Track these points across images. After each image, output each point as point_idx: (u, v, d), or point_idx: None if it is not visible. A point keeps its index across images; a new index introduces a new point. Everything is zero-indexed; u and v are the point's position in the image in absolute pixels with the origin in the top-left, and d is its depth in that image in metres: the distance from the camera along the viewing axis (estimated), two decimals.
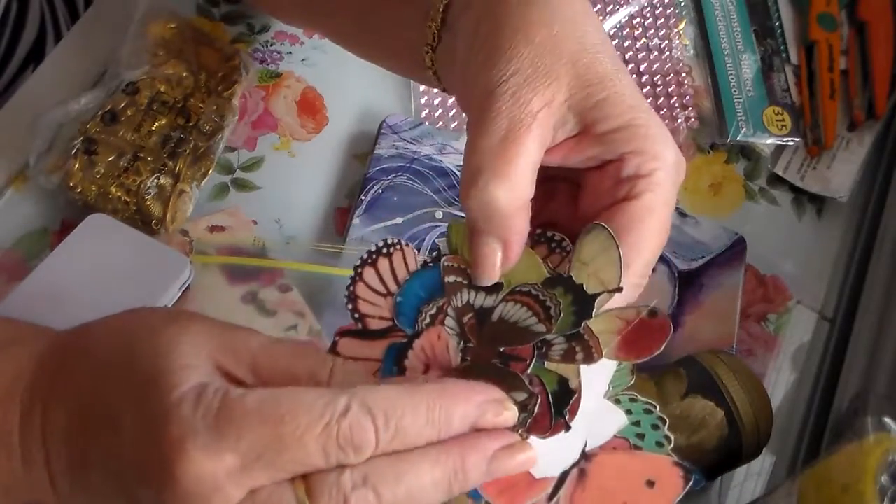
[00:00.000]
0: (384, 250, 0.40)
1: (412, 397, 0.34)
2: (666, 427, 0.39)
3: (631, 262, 0.39)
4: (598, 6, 0.72)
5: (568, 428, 0.37)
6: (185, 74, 0.60)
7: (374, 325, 0.40)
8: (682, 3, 0.75)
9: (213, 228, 0.60)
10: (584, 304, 0.38)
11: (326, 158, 0.64)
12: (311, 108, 0.66)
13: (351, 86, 0.67)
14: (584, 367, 0.38)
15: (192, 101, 0.59)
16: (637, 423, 0.39)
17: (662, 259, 0.64)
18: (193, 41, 0.62)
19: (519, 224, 0.39)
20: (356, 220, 0.60)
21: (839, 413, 0.61)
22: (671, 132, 0.69)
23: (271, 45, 0.67)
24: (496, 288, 0.39)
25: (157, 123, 0.58)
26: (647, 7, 0.73)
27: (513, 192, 0.38)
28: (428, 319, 0.39)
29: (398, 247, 0.41)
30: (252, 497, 0.32)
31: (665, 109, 0.70)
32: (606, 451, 0.38)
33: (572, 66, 0.39)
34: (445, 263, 0.40)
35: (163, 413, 0.33)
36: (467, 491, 0.34)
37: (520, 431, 0.36)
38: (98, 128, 0.57)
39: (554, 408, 0.37)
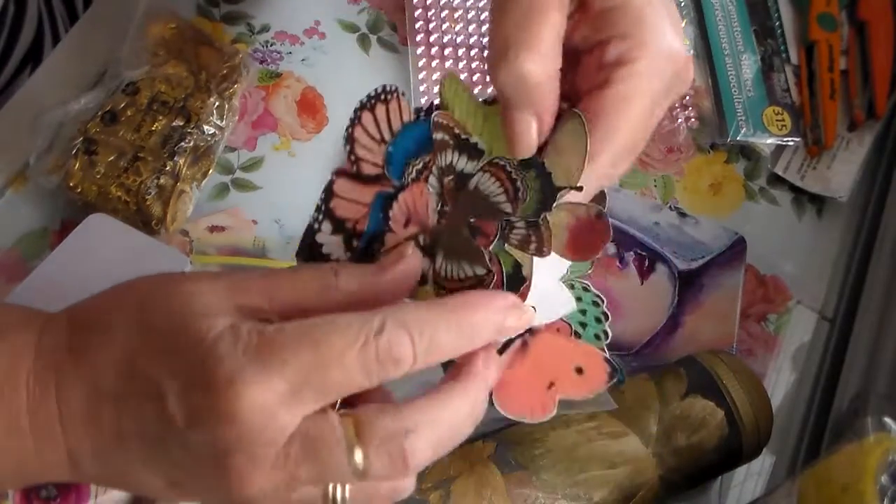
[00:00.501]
0: (382, 96, 0.40)
1: (441, 312, 0.35)
2: (607, 323, 0.40)
3: (598, 153, 0.38)
4: None
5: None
6: (185, 74, 0.60)
7: (368, 169, 0.40)
8: (682, 3, 0.75)
9: (213, 228, 0.60)
10: (547, 193, 0.38)
11: (326, 158, 0.64)
12: (311, 108, 0.66)
13: (351, 86, 0.67)
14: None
15: (192, 101, 0.59)
16: (583, 312, 0.41)
17: (662, 259, 0.64)
18: (193, 41, 0.62)
19: (552, 95, 0.38)
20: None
21: (839, 413, 0.61)
22: (671, 132, 0.70)
23: (271, 45, 0.67)
24: (478, 154, 0.39)
25: (157, 123, 0.58)
26: None
27: (543, 63, 0.37)
28: (414, 174, 0.39)
29: (395, 94, 0.40)
30: (304, 431, 0.33)
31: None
32: (550, 330, 0.39)
33: None
34: (436, 119, 0.39)
35: (203, 358, 0.33)
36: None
37: None
38: (98, 128, 0.57)
39: (506, 289, 0.38)
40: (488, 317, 0.35)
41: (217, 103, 0.60)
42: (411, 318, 0.34)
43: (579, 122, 0.38)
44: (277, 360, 0.33)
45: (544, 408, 0.38)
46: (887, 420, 0.49)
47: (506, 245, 0.39)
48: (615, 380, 0.39)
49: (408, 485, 0.36)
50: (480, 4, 0.69)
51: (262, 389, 0.32)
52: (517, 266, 0.39)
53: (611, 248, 0.64)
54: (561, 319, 0.40)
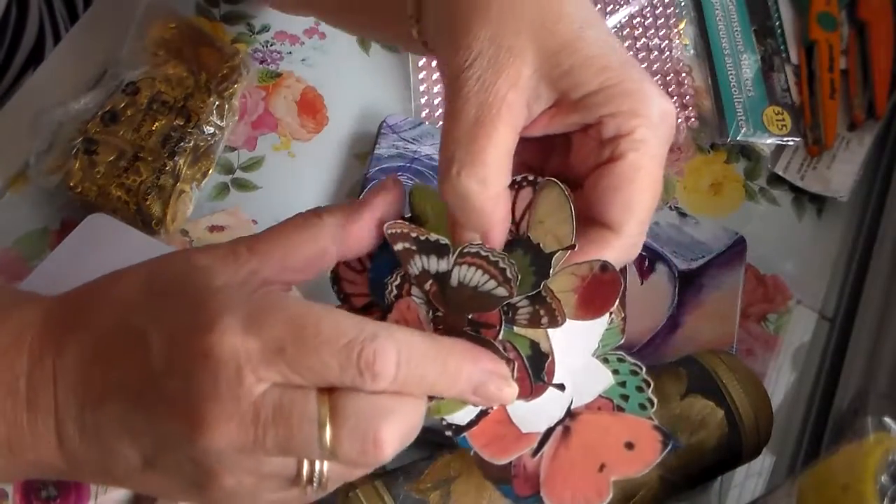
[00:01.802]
0: None
1: (435, 348, 0.34)
2: (650, 390, 0.39)
3: (624, 223, 0.39)
4: (599, 6, 0.72)
5: (560, 387, 0.37)
6: (185, 74, 0.60)
7: (359, 301, 0.40)
8: (682, 3, 0.75)
9: (212, 228, 0.60)
10: (541, 263, 0.38)
11: (326, 158, 0.64)
12: (311, 108, 0.66)
13: (351, 86, 0.67)
14: (571, 326, 0.38)
15: (192, 101, 0.59)
16: (623, 384, 0.39)
17: (662, 259, 0.64)
18: (193, 41, 0.62)
19: (497, 214, 0.38)
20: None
21: (839, 413, 0.61)
22: None
23: (271, 45, 0.67)
24: (445, 249, 0.38)
25: (157, 123, 0.58)
26: (647, 7, 0.73)
27: (485, 183, 0.37)
28: (395, 291, 0.39)
29: None
30: (277, 399, 0.33)
31: None
32: (591, 410, 0.39)
33: (534, 37, 0.38)
34: (389, 231, 0.38)
35: (199, 300, 0.34)
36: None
37: None
38: (98, 128, 0.57)
39: (531, 371, 0.37)
40: (473, 372, 0.35)
41: (217, 103, 0.60)
42: (405, 340, 0.34)
43: (559, 191, 0.38)
44: (265, 322, 0.33)
45: (600, 494, 0.37)
46: (887, 420, 0.49)
47: (515, 328, 0.38)
48: (669, 447, 0.38)
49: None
50: None
51: (236, 336, 0.33)
52: (535, 345, 0.38)
53: None
54: (601, 396, 0.39)
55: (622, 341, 0.40)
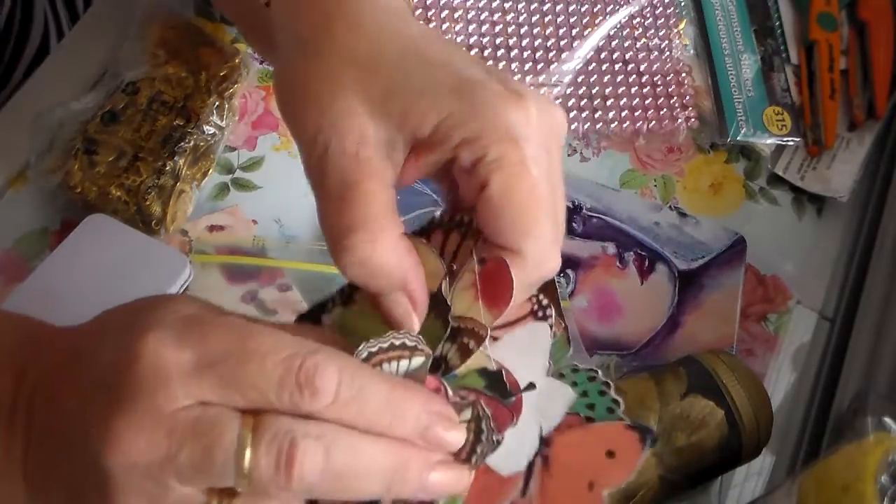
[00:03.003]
0: None
1: (380, 379, 0.33)
2: (612, 391, 0.38)
3: (521, 245, 0.36)
4: (599, 6, 0.72)
5: (531, 386, 0.36)
6: (184, 75, 0.60)
7: None
8: (682, 3, 0.75)
9: (212, 228, 0.60)
10: (437, 303, 0.37)
11: None
12: None
13: None
14: (519, 353, 0.37)
15: (192, 102, 0.59)
16: (585, 394, 0.39)
17: (662, 259, 0.64)
18: (193, 41, 0.62)
19: (404, 265, 0.36)
20: None
21: (839, 413, 0.61)
22: (671, 132, 0.70)
23: None
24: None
25: (157, 123, 0.58)
26: (647, 7, 0.73)
27: (375, 240, 0.35)
28: None
29: None
30: (197, 415, 0.31)
31: (665, 109, 0.70)
32: (562, 431, 0.38)
33: (358, 89, 0.36)
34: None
35: (144, 319, 0.33)
36: (400, 497, 0.33)
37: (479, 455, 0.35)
38: (98, 128, 0.57)
39: (499, 395, 0.37)
40: (421, 413, 0.33)
41: (217, 103, 0.60)
42: (350, 364, 0.32)
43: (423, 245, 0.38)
44: (198, 335, 0.31)
45: None
46: (887, 420, 0.49)
47: (457, 373, 0.37)
48: (649, 442, 0.37)
49: None
50: (480, 4, 0.69)
51: (167, 352, 0.31)
52: (483, 372, 0.37)
53: (611, 248, 0.64)
54: (568, 414, 0.38)
55: (570, 353, 0.39)
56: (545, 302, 0.39)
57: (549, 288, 0.39)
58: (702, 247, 0.65)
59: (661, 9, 0.73)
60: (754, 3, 0.76)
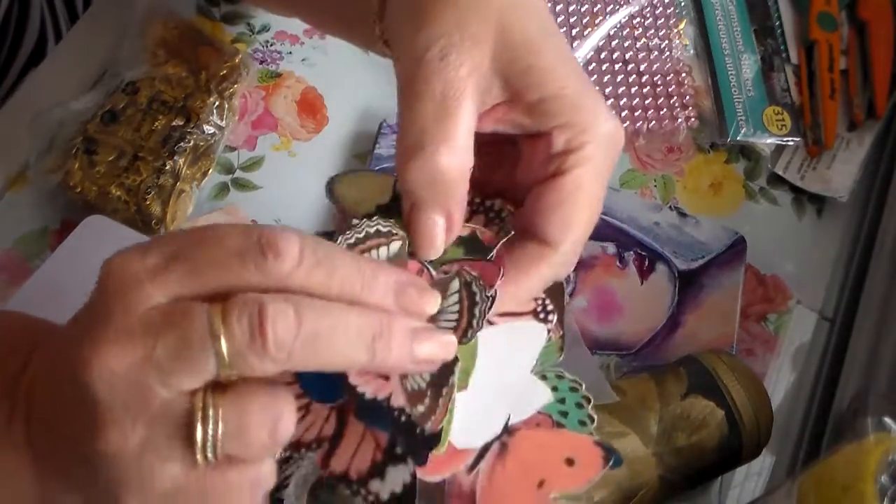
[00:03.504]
0: None
1: (342, 250, 0.33)
2: (590, 407, 0.39)
3: (561, 240, 0.38)
4: (599, 6, 0.72)
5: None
6: (184, 74, 0.60)
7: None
8: (682, 3, 0.75)
9: None
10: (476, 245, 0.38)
11: (326, 158, 0.64)
12: (311, 108, 0.66)
13: (351, 86, 0.67)
14: (511, 344, 0.38)
15: (192, 101, 0.59)
16: (562, 401, 0.39)
17: (662, 259, 0.64)
18: (193, 41, 0.62)
19: (462, 192, 0.37)
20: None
21: (839, 413, 0.61)
22: (671, 132, 0.70)
23: (271, 45, 0.67)
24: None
25: (157, 123, 0.58)
26: (647, 7, 0.73)
27: (457, 158, 0.36)
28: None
29: None
30: (167, 308, 0.31)
31: (665, 109, 0.70)
32: (529, 426, 0.38)
33: (498, 30, 0.38)
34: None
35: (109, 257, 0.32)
36: (388, 364, 0.32)
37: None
38: (98, 128, 0.57)
39: (480, 255, 0.37)
40: (389, 280, 0.33)
41: (217, 103, 0.60)
42: (312, 237, 0.32)
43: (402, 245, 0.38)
44: (160, 241, 0.32)
45: None
46: (887, 420, 0.49)
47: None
48: (611, 462, 0.37)
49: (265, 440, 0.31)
50: None
51: (134, 258, 0.31)
52: (460, 240, 0.38)
53: (611, 248, 0.64)
54: (539, 412, 0.39)
55: (561, 358, 0.40)
56: (550, 307, 0.40)
57: (556, 294, 0.40)
58: (702, 247, 0.65)
59: (661, 9, 0.73)
60: (754, 3, 0.76)
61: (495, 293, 0.37)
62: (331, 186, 0.40)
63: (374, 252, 0.35)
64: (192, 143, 0.58)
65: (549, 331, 0.39)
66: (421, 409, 0.34)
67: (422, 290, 0.34)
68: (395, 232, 0.36)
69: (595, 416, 0.39)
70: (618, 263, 0.64)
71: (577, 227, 0.39)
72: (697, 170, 0.70)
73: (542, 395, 0.39)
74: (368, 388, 0.34)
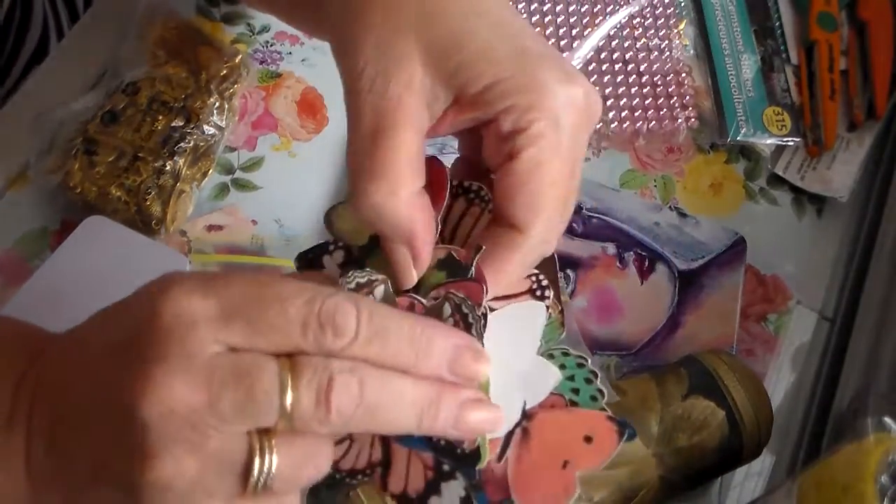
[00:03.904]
0: None
1: (399, 316, 0.33)
2: (599, 380, 0.39)
3: (529, 223, 0.38)
4: (599, 6, 0.72)
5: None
6: (184, 75, 0.60)
7: None
8: (682, 3, 0.75)
9: (210, 228, 0.60)
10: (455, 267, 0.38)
11: (326, 158, 0.64)
12: (311, 108, 0.66)
13: None
14: (513, 329, 0.38)
15: (192, 102, 0.59)
16: (571, 378, 0.40)
17: (662, 259, 0.64)
18: (193, 41, 0.62)
19: (416, 221, 0.37)
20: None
21: (839, 413, 0.61)
22: (671, 132, 0.70)
23: (271, 46, 0.67)
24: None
25: (157, 124, 0.58)
26: (647, 7, 0.73)
27: (395, 191, 0.36)
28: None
29: None
30: (234, 359, 0.31)
31: (665, 109, 0.70)
32: (545, 408, 0.38)
33: (418, 36, 0.37)
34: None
35: (161, 281, 0.33)
36: (433, 431, 0.33)
37: None
38: (98, 128, 0.57)
39: (461, 275, 0.37)
40: (444, 344, 0.33)
41: (217, 103, 0.60)
42: (367, 304, 0.32)
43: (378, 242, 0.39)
44: (220, 285, 0.32)
45: (566, 490, 0.37)
46: (887, 420, 0.49)
47: (420, 285, 0.38)
48: (626, 435, 0.38)
49: (325, 453, 0.33)
50: None
51: (192, 301, 0.31)
52: (439, 263, 0.38)
53: (611, 248, 0.64)
54: (552, 393, 0.39)
55: (563, 335, 0.40)
56: (545, 282, 0.40)
57: (548, 266, 0.40)
58: (702, 247, 0.65)
59: (661, 9, 0.73)
60: (754, 3, 0.76)
61: (486, 310, 0.37)
62: (329, 219, 0.40)
63: (370, 297, 0.36)
64: (192, 143, 0.58)
65: (548, 307, 0.39)
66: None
67: (477, 354, 0.34)
68: (373, 279, 0.36)
69: (605, 390, 0.39)
70: (618, 264, 0.64)
71: (545, 207, 0.38)
72: (697, 170, 0.70)
73: (552, 376, 0.39)
74: None
